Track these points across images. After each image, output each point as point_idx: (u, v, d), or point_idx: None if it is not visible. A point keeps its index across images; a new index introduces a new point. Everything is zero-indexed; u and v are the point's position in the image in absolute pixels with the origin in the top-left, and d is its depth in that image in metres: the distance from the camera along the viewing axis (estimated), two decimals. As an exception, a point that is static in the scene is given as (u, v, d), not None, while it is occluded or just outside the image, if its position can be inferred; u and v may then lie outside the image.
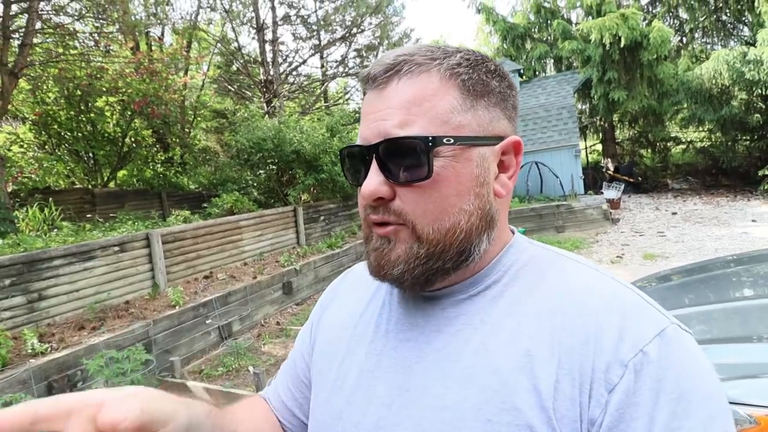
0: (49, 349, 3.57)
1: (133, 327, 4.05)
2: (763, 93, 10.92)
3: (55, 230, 5.62)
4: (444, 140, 0.48)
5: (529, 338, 0.48)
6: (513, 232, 0.59)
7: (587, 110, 16.33)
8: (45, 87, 8.18)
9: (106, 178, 10.02)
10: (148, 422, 0.39)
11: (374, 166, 0.50)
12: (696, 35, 15.16)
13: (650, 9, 15.24)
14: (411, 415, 0.50)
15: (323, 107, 14.40)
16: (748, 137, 13.27)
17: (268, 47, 12.46)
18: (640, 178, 14.80)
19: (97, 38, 8.33)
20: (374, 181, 0.50)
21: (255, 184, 8.73)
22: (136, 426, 0.38)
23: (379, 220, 0.51)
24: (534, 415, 0.44)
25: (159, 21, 10.82)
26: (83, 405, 0.38)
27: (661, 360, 0.43)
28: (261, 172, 8.49)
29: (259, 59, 12.74)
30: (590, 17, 13.57)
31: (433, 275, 0.51)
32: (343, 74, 15.25)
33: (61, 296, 4.09)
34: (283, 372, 0.74)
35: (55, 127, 9.04)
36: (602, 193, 11.90)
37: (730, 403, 0.52)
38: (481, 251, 0.53)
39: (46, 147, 9.72)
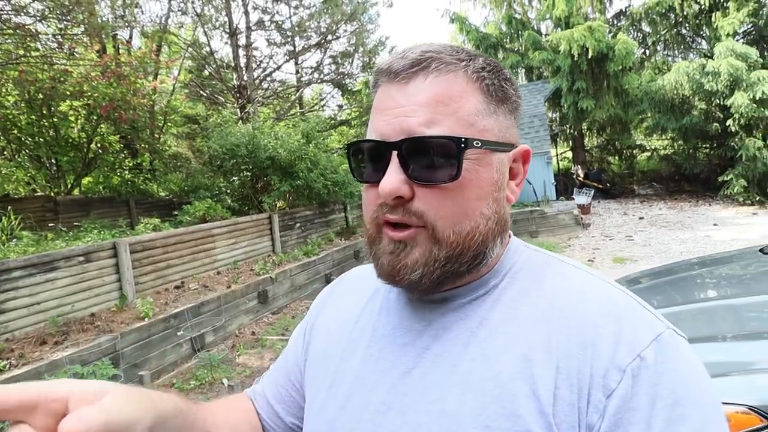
0: (8, 365, 3.37)
1: (99, 341, 3.87)
2: (721, 103, 11.48)
3: (15, 240, 5.35)
4: (474, 143, 0.48)
5: (527, 343, 0.47)
6: (510, 236, 0.59)
7: (558, 118, 16.80)
8: (4, 90, 7.81)
9: (69, 186, 9.61)
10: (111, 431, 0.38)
11: (395, 163, 0.48)
12: (658, 48, 15.86)
13: (615, 22, 15.86)
14: (408, 422, 0.49)
15: (298, 113, 14.29)
16: (708, 145, 13.91)
17: (241, 52, 12.28)
18: (608, 184, 15.27)
19: (61, 40, 8.01)
20: (395, 179, 0.47)
21: (228, 191, 8.55)
22: None
23: (399, 220, 0.49)
24: (534, 420, 0.44)
25: (127, 24, 10.51)
26: (49, 400, 0.37)
27: (657, 365, 0.43)
28: (234, 178, 8.33)
29: (232, 64, 12.53)
30: (559, 29, 14.01)
31: (447, 278, 0.50)
32: (319, 80, 15.19)
33: (20, 309, 3.87)
34: (272, 372, 0.72)
35: (15, 132, 8.61)
36: (573, 198, 12.23)
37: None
38: (494, 255, 0.53)
39: (5, 153, 9.28)
